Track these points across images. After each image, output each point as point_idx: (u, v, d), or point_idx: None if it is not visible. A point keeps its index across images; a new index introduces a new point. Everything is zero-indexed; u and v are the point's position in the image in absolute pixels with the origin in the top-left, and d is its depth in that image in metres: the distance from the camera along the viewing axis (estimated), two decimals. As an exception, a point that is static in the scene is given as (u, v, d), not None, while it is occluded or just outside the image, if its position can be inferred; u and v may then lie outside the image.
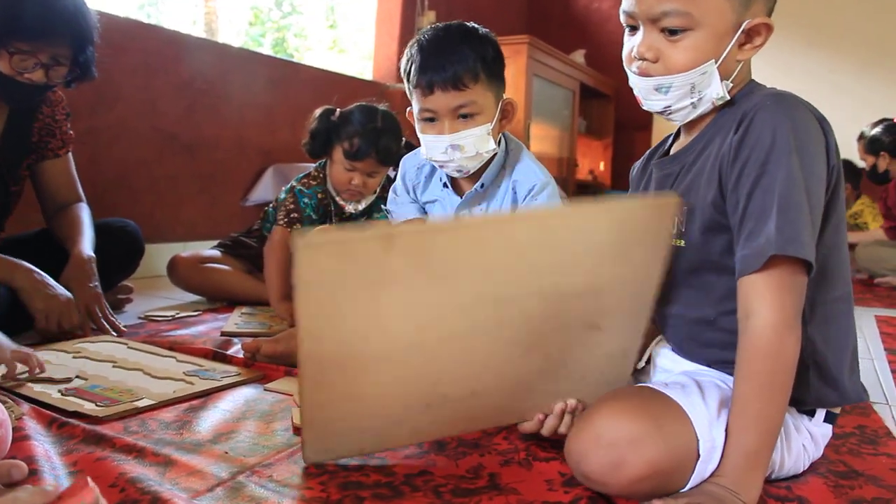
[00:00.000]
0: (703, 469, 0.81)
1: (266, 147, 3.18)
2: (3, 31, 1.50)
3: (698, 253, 0.92)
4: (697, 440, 0.81)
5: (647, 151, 1.12)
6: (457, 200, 1.44)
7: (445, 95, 1.29)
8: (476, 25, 1.37)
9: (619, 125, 5.23)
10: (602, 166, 5.26)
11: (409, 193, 1.52)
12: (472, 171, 1.37)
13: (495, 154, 1.38)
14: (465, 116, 1.31)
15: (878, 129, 3.48)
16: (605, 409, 0.82)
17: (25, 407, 1.10)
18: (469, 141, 1.31)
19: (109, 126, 2.54)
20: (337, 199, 2.08)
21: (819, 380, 0.90)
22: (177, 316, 1.93)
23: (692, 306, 0.96)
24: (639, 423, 0.79)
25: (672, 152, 1.02)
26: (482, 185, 1.40)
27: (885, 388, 1.50)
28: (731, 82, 0.91)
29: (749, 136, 0.84)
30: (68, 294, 1.59)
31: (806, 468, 0.95)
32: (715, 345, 0.94)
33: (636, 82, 0.93)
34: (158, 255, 2.55)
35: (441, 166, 1.39)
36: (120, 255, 1.95)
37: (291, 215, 2.02)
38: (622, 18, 0.94)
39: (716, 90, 0.90)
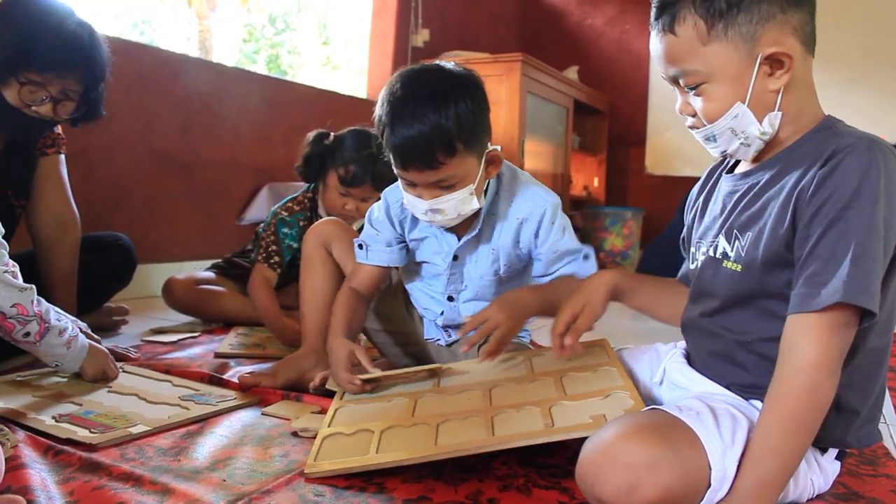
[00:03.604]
0: (712, 498, 0.81)
1: (261, 166, 3.18)
2: (15, 60, 1.45)
3: (754, 281, 0.91)
4: (710, 468, 0.80)
5: (708, 168, 1.12)
6: (452, 238, 1.36)
7: (420, 174, 1.19)
8: (453, 70, 1.23)
9: (613, 141, 5.24)
10: (596, 182, 5.27)
11: (395, 228, 1.39)
12: (457, 225, 1.30)
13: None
14: (444, 187, 1.21)
15: None
16: (622, 431, 0.81)
17: (21, 434, 1.09)
18: (449, 205, 1.23)
19: (104, 146, 2.54)
20: None
21: (836, 421, 0.89)
22: (179, 340, 1.89)
23: (734, 327, 0.95)
24: (656, 447, 0.79)
25: (740, 169, 1.01)
26: (480, 221, 1.32)
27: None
28: (779, 110, 0.90)
29: (834, 176, 0.83)
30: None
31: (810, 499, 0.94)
32: (747, 367, 0.93)
33: (693, 135, 0.97)
34: (154, 275, 2.55)
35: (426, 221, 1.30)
36: (114, 269, 1.94)
37: (270, 249, 2.00)
38: None
39: (756, 127, 0.90)
